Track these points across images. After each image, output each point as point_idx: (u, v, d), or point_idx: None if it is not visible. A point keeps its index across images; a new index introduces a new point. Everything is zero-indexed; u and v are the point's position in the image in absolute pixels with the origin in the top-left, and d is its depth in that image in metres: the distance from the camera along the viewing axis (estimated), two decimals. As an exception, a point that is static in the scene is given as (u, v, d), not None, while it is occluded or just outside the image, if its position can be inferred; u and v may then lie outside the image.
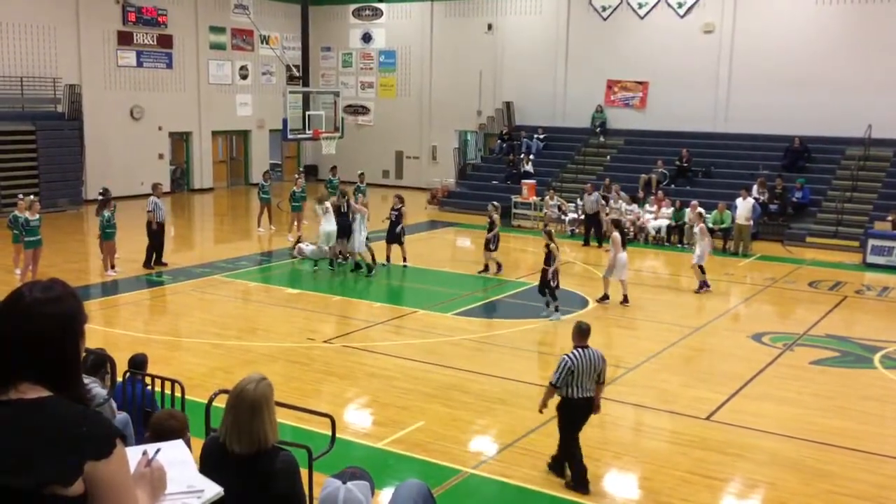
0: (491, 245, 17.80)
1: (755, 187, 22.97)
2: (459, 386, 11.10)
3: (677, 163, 25.60)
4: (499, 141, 29.92)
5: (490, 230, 17.85)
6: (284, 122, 23.04)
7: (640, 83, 28.43)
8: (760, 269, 19.55)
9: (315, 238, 18.81)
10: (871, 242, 20.17)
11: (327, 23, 35.15)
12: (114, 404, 6.40)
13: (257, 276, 18.26)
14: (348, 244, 17.86)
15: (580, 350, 8.06)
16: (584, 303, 15.83)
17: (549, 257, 14.40)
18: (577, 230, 23.30)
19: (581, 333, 8.23)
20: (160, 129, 30.14)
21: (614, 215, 22.59)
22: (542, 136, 28.95)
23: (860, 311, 16.36)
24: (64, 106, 26.39)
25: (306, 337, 13.29)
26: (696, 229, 17.23)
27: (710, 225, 20.30)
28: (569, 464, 8.19)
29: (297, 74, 29.39)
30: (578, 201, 23.51)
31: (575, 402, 8.06)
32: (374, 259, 18.07)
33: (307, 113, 24.01)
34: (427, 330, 13.92)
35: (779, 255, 21.17)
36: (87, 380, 3.90)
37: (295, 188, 22.89)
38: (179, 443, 3.29)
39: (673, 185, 25.00)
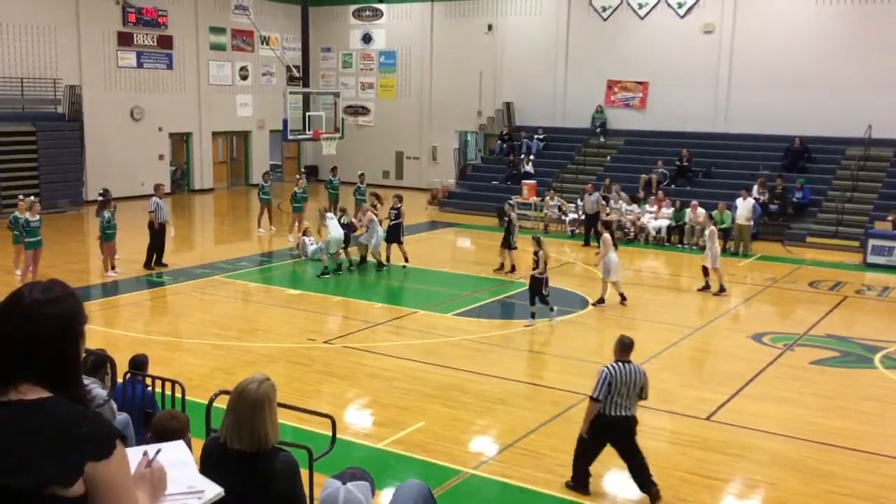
0: (512, 243, 17.93)
1: (755, 187, 22.95)
2: (459, 386, 11.10)
3: (677, 163, 25.59)
4: (499, 141, 29.92)
5: (507, 230, 18.01)
6: (284, 122, 23.00)
7: (640, 83, 28.43)
8: (761, 270, 19.54)
9: (319, 242, 18.78)
10: (872, 242, 20.17)
11: (327, 23, 35.14)
12: (114, 405, 6.40)
13: (258, 277, 18.26)
14: (370, 246, 18.44)
15: (621, 364, 7.78)
16: (584, 303, 15.82)
17: (538, 264, 14.16)
18: (577, 230, 23.28)
19: (624, 348, 7.92)
20: (160, 129, 30.15)
21: (614, 216, 22.63)
22: (542, 137, 28.93)
23: (860, 311, 16.35)
24: (64, 107, 26.38)
25: (307, 337, 13.29)
26: (706, 232, 17.04)
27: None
28: (574, 464, 8.08)
29: (298, 75, 29.34)
30: (579, 202, 23.50)
31: (607, 419, 7.73)
32: (388, 258, 18.80)
33: (307, 114, 23.96)
34: (427, 330, 13.92)
35: (779, 256, 21.16)
36: (87, 380, 3.91)
37: (296, 189, 22.86)
38: (180, 443, 3.29)
39: (673, 186, 24.98)
